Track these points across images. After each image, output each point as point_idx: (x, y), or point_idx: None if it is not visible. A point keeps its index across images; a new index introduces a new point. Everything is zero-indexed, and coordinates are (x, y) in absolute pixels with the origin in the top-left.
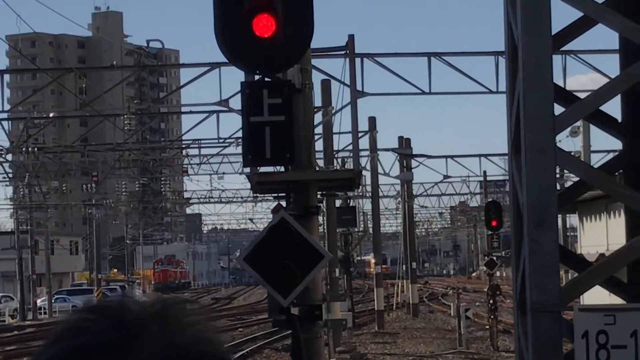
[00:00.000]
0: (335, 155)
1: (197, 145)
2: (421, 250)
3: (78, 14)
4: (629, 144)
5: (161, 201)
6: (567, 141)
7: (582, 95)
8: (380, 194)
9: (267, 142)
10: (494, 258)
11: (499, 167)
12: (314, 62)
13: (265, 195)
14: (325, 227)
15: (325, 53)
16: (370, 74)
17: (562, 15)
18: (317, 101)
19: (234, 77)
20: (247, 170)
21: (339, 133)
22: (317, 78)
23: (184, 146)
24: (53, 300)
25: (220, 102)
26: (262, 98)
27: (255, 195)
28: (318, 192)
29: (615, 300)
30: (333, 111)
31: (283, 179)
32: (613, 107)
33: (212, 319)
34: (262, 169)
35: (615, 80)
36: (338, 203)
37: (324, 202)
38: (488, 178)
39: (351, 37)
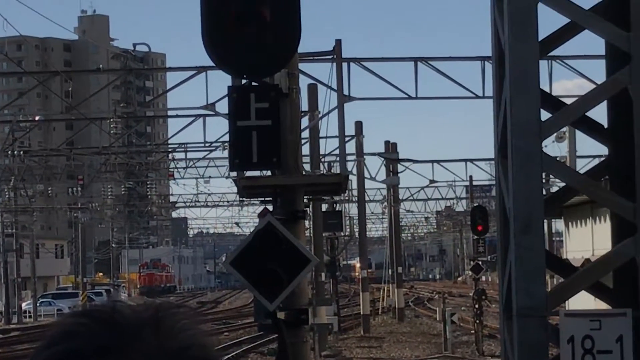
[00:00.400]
0: (322, 160)
1: (183, 149)
2: (407, 255)
3: (64, 17)
4: (615, 149)
5: (147, 205)
6: (553, 146)
7: (568, 101)
8: (367, 198)
9: (254, 146)
10: (480, 263)
11: (485, 172)
12: (301, 66)
13: (252, 199)
14: (311, 231)
15: (312, 58)
16: (357, 79)
17: (549, 21)
18: (304, 105)
19: (220, 81)
20: (234, 174)
21: (326, 137)
22: (304, 82)
23: (170, 150)
24: (38, 304)
25: (206, 106)
26: (249, 102)
27: (241, 199)
28: (304, 197)
29: (601, 305)
30: (320, 115)
31: (270, 184)
32: (599, 113)
33: (204, 324)
34: (249, 173)
35: (601, 87)
36: (324, 207)
37: (311, 206)
38: (474, 183)
39: (338, 42)
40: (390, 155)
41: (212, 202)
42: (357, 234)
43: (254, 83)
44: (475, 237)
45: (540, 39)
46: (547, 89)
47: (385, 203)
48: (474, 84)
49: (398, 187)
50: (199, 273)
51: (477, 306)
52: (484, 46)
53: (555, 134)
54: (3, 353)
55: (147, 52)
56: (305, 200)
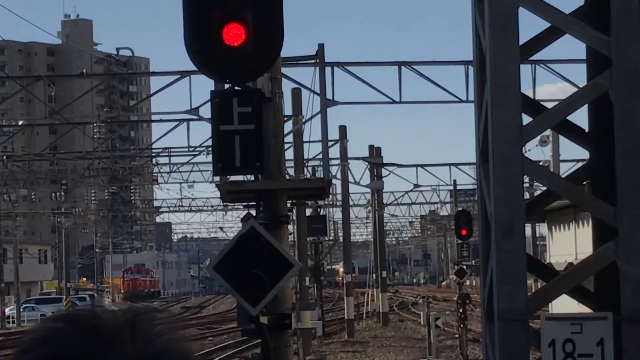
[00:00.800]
0: (306, 164)
1: (167, 154)
2: (391, 259)
3: (47, 22)
4: (596, 153)
5: (131, 210)
6: (536, 150)
7: (551, 105)
8: (351, 202)
9: (237, 150)
10: (464, 267)
11: (469, 176)
12: (285, 70)
13: (236, 204)
14: (295, 235)
15: (295, 62)
16: (341, 83)
17: (531, 26)
18: (288, 110)
19: (204, 86)
20: (217, 178)
21: (309, 142)
22: (287, 87)
23: (154, 154)
24: (21, 309)
25: (190, 110)
26: (231, 107)
27: (225, 204)
28: (288, 201)
29: (584, 309)
30: (303, 120)
31: (253, 188)
32: (581, 117)
33: (183, 329)
34: (232, 178)
35: (582, 91)
36: (308, 212)
37: (294, 210)
38: (458, 187)
39: (321, 46)
40: (375, 160)
41: (196, 207)
42: (341, 239)
43: (236, 87)
44: (459, 241)
45: (521, 43)
46: (530, 93)
47: (370, 207)
48: (458, 89)
49: (382, 191)
50: (183, 278)
51: (461, 310)
52: (467, 50)
53: (538, 138)
54: None
55: (131, 56)
56: (288, 205)
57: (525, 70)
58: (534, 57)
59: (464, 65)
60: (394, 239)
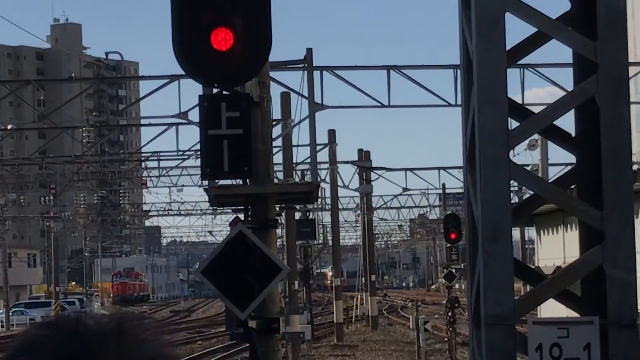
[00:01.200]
0: (295, 168)
1: (156, 158)
2: (380, 263)
3: (37, 26)
4: (582, 158)
5: (120, 214)
6: (525, 154)
7: (540, 109)
8: (340, 206)
9: (225, 155)
10: (453, 270)
11: (458, 180)
12: (274, 74)
13: (224, 208)
14: (284, 239)
15: (283, 66)
16: (330, 87)
17: (518, 30)
18: (277, 114)
19: (193, 90)
20: (206, 183)
21: (298, 146)
22: (276, 90)
23: (143, 158)
24: (10, 313)
25: (179, 114)
26: (220, 111)
27: (214, 207)
28: (276, 205)
29: (573, 314)
30: (292, 124)
31: (241, 192)
32: (568, 121)
33: (169, 335)
34: (221, 182)
35: (568, 95)
36: (297, 216)
37: (283, 214)
38: (447, 191)
39: (309, 51)
40: (364, 164)
41: (185, 211)
42: (330, 242)
43: (225, 92)
44: (449, 244)
45: (508, 47)
46: (519, 97)
47: (359, 211)
48: (447, 92)
49: (371, 195)
50: (172, 282)
51: (450, 314)
52: (456, 54)
53: (527, 142)
54: None
55: (120, 60)
56: (277, 209)
57: (514, 74)
58: (522, 61)
59: (453, 69)
60: (383, 243)
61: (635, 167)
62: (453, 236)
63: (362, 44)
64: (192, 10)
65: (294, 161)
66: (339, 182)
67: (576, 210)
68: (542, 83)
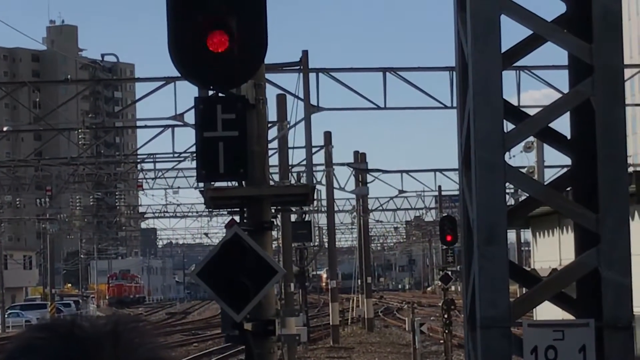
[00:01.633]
0: (291, 170)
1: (152, 160)
2: (376, 265)
3: (32, 28)
4: (578, 160)
5: (116, 216)
6: (521, 157)
7: (535, 111)
8: (336, 208)
9: (221, 157)
10: (449, 273)
11: (454, 182)
12: (270, 76)
13: (220, 210)
14: (280, 241)
15: (279, 68)
16: (326, 89)
17: (513, 33)
18: (272, 115)
19: (189, 92)
20: (202, 185)
21: (294, 148)
22: (272, 92)
23: (138, 160)
24: (6, 315)
25: (175, 116)
26: (215, 113)
27: (210, 209)
28: (272, 207)
29: (568, 316)
30: (288, 126)
31: (237, 194)
32: (564, 124)
33: (165, 337)
34: (216, 184)
35: (564, 98)
36: (293, 218)
37: (279, 216)
38: (443, 193)
39: (305, 53)
40: (360, 166)
41: (181, 213)
42: (326, 244)
43: (220, 94)
44: (444, 247)
45: (504, 50)
46: (515, 100)
47: (355, 213)
48: (443, 94)
49: (367, 197)
50: (168, 284)
51: (446, 316)
52: (452, 56)
53: (523, 144)
54: None
55: (116, 62)
56: (273, 211)
57: (509, 76)
58: (518, 64)
59: (449, 71)
60: (379, 245)
61: (630, 169)
62: (449, 238)
63: (357, 46)
64: (188, 13)
65: (290, 163)
66: (335, 184)
67: (572, 213)
68: (538, 85)
